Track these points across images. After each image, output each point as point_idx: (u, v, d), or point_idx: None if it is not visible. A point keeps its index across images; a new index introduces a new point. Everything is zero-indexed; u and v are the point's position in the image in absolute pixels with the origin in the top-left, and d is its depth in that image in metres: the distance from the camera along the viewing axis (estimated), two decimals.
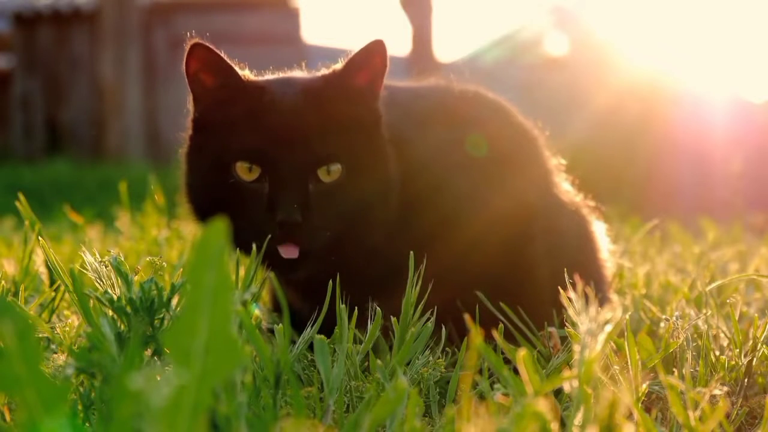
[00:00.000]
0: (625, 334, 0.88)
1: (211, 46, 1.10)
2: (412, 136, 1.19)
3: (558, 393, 0.91)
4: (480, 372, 0.92)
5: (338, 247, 1.11)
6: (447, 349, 1.13)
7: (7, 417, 0.84)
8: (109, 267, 0.96)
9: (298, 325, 1.06)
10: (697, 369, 1.01)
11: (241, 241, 1.06)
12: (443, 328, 1.11)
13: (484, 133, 1.23)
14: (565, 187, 1.35)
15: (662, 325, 1.24)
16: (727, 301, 1.20)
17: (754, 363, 1.04)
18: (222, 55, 1.11)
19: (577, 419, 0.71)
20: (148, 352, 0.91)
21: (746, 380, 1.04)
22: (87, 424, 0.80)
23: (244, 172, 1.08)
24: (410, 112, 1.22)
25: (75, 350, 0.86)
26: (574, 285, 0.83)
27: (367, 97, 1.12)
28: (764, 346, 1.05)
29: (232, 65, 1.12)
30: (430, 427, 0.91)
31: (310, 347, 0.94)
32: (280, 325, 0.85)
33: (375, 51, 1.10)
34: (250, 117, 1.10)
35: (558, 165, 1.35)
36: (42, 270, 1.31)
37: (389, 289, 1.12)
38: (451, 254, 1.16)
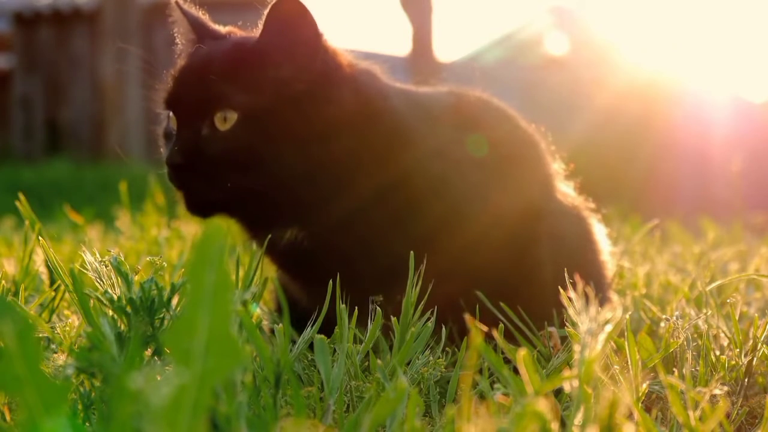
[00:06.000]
0: (626, 333, 0.88)
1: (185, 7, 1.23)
2: (427, 132, 1.20)
3: (558, 393, 0.91)
4: (480, 372, 0.92)
5: (253, 200, 1.11)
6: (447, 348, 1.13)
7: (7, 417, 0.84)
8: (109, 267, 0.96)
9: (301, 320, 1.06)
10: (697, 369, 1.01)
11: None
12: (443, 328, 1.11)
13: (493, 136, 1.25)
14: (567, 190, 1.36)
15: (662, 324, 1.24)
16: (727, 300, 1.20)
17: (754, 363, 1.04)
18: (189, 10, 1.23)
19: (577, 419, 0.71)
20: (149, 352, 0.91)
21: (746, 380, 1.04)
22: (87, 424, 0.80)
23: (172, 120, 1.14)
24: (427, 112, 1.23)
25: (75, 350, 0.86)
26: (574, 285, 0.83)
27: (295, 56, 1.11)
28: (764, 345, 1.05)
29: (198, 20, 1.22)
30: (431, 427, 0.91)
31: (311, 347, 0.94)
32: (281, 324, 0.85)
33: (285, 9, 1.09)
34: (176, 69, 1.17)
35: (559, 169, 1.36)
36: (42, 270, 1.31)
37: (395, 284, 1.12)
38: (456, 251, 1.17)
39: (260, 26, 1.13)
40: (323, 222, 1.15)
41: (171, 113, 1.14)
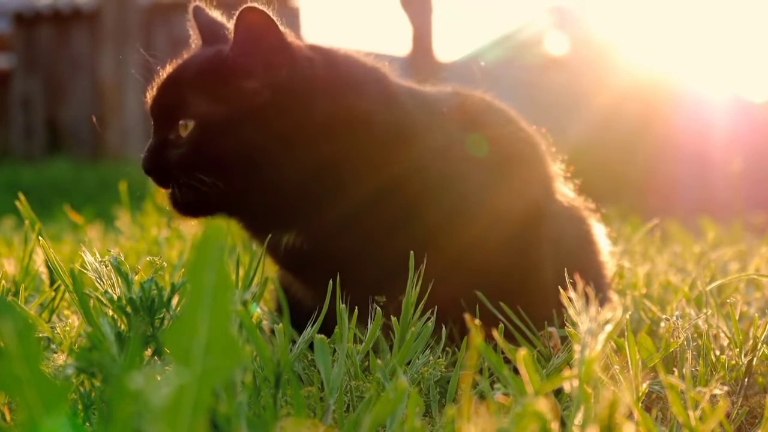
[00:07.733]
0: (626, 333, 0.88)
1: (206, 10, 1.26)
2: (436, 131, 1.21)
3: (558, 393, 0.91)
4: (480, 371, 0.92)
5: (229, 200, 1.14)
6: (447, 348, 1.13)
7: (7, 417, 0.84)
8: (110, 267, 0.96)
9: (304, 319, 1.06)
10: (697, 369, 1.01)
11: None
12: (444, 328, 1.11)
13: (495, 137, 1.25)
14: (566, 191, 1.36)
15: (662, 324, 1.24)
16: (728, 300, 1.20)
17: (754, 362, 1.04)
18: (208, 16, 1.25)
19: (578, 419, 0.71)
20: (149, 351, 0.91)
21: (746, 380, 1.04)
22: (87, 424, 0.80)
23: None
24: (436, 112, 1.24)
25: (75, 350, 0.86)
26: (574, 285, 0.83)
27: (261, 66, 1.12)
28: (764, 345, 1.05)
29: (209, 25, 1.24)
30: (431, 427, 0.91)
31: (311, 346, 0.94)
32: (281, 324, 0.85)
33: (249, 20, 1.11)
34: (159, 77, 1.21)
35: (559, 169, 1.37)
36: (42, 270, 1.31)
37: (397, 283, 1.12)
38: (457, 251, 1.17)
39: (230, 36, 1.14)
40: (319, 226, 1.16)
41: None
